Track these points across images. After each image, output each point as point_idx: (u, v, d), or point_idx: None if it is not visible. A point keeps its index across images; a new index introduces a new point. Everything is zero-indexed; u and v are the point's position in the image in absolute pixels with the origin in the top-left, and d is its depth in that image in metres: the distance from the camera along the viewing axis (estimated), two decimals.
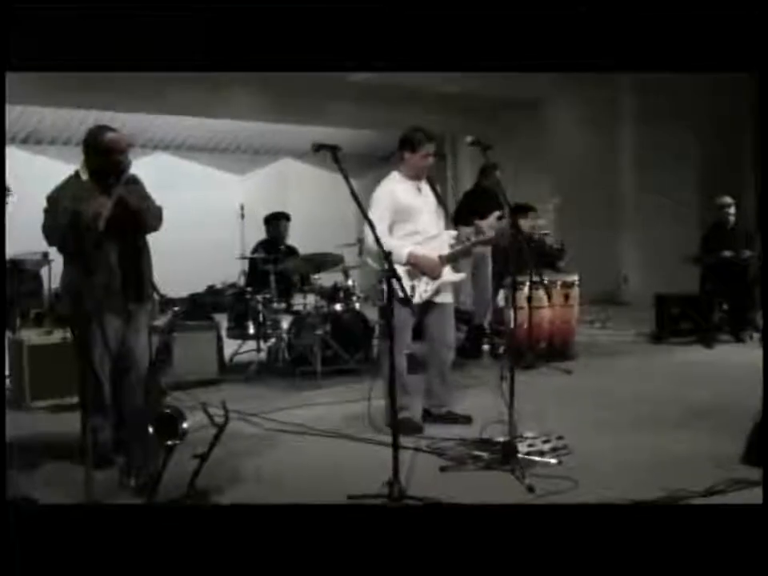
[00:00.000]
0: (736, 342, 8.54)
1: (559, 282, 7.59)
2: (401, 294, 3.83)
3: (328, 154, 3.68)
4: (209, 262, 11.26)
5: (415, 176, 5.04)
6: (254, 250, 7.76)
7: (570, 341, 7.66)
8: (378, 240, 3.54)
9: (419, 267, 4.85)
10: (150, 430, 3.36)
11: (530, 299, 7.05)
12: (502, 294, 7.52)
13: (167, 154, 13.55)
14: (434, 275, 4.89)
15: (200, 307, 10.94)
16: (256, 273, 7.54)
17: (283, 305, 7.29)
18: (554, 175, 12.92)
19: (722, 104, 12.47)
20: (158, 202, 4.57)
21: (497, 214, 7.48)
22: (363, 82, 11.55)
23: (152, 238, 4.58)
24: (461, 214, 8.19)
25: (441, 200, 5.20)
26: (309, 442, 4.97)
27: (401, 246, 4.79)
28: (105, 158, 4.36)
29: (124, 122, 12.52)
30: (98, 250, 4.24)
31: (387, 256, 3.49)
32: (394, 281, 3.55)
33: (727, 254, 8.44)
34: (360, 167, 12.67)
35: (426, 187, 5.12)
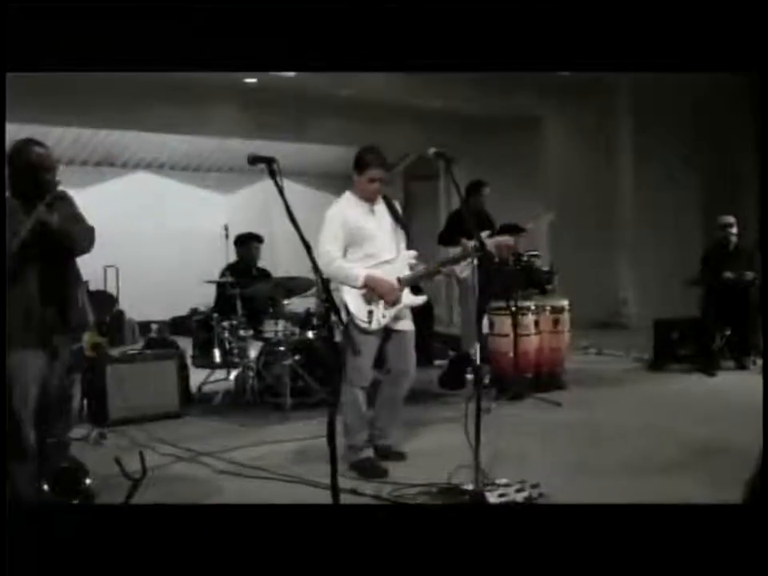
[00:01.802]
0: (738, 368, 8.07)
1: (548, 307, 7.12)
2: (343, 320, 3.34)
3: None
4: (192, 284, 10.87)
5: (366, 197, 4.68)
6: (222, 274, 7.31)
7: (559, 370, 7.18)
8: (315, 265, 3.09)
9: (376, 291, 4.50)
10: (45, 487, 2.87)
11: (515, 326, 6.63)
12: (485, 320, 7.05)
13: (149, 173, 13.13)
14: (391, 300, 4.53)
15: (181, 332, 10.56)
16: (224, 297, 7.08)
17: (251, 332, 6.82)
18: (550, 194, 12.50)
19: (721, 122, 12.20)
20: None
21: (485, 233, 7.14)
22: (352, 97, 11.18)
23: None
24: (447, 235, 7.84)
25: (400, 221, 4.81)
26: (262, 488, 4.47)
27: (356, 268, 4.50)
28: (29, 175, 3.92)
29: (103, 139, 12.24)
30: (17, 277, 3.79)
31: (325, 284, 3.02)
32: (334, 311, 3.08)
33: (729, 275, 7.97)
34: (348, 186, 12.26)
35: (381, 208, 4.76)
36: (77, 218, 4.08)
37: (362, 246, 4.59)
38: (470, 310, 7.82)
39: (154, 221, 12.32)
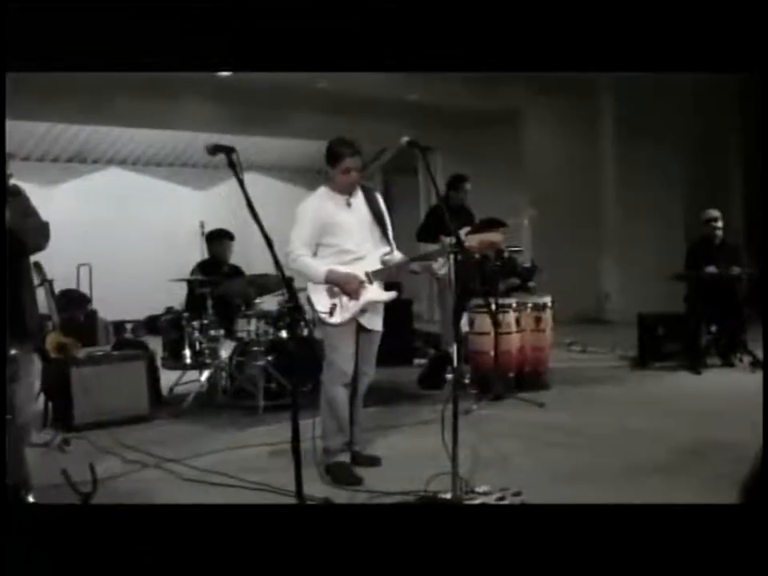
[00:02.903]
0: (724, 365, 7.92)
1: (530, 305, 6.92)
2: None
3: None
4: (168, 282, 10.61)
5: (342, 190, 4.47)
6: (193, 272, 7.07)
7: (542, 369, 6.98)
8: (276, 261, 2.88)
9: (338, 285, 4.34)
10: None
11: (495, 323, 6.44)
12: (465, 318, 6.86)
13: (123, 169, 12.84)
14: (351, 290, 4.35)
15: (156, 331, 10.30)
16: (194, 296, 6.84)
17: (222, 331, 6.58)
18: (532, 190, 12.33)
19: (705, 119, 12.15)
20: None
21: (465, 229, 6.97)
22: (330, 91, 10.94)
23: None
24: (425, 230, 7.66)
25: (378, 213, 4.59)
26: (225, 495, 4.22)
27: (318, 265, 4.36)
28: None
29: (76, 134, 11.94)
30: None
31: (289, 283, 2.81)
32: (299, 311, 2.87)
33: (712, 269, 7.78)
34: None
35: (358, 201, 4.55)
36: (30, 213, 3.84)
37: (336, 241, 4.42)
38: (449, 308, 7.65)
39: (129, 218, 12.00)
